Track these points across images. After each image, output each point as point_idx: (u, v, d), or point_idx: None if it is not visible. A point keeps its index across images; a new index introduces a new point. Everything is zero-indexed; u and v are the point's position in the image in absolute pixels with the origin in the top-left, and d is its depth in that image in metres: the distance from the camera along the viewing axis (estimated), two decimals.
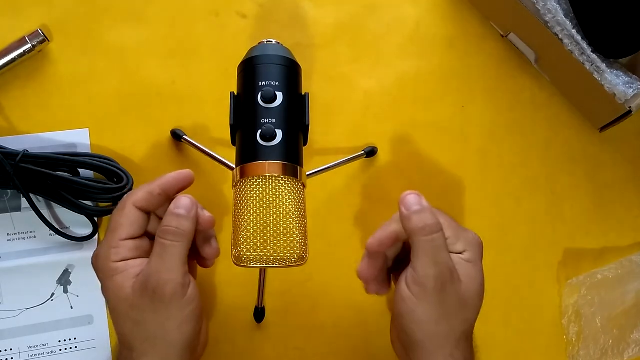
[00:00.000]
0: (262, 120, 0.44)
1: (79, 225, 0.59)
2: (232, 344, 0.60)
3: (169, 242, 0.45)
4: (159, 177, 0.48)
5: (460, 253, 0.48)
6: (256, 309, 0.60)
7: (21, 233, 0.59)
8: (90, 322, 0.59)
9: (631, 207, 0.66)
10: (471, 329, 0.49)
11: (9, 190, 0.59)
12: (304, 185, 0.45)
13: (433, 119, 0.65)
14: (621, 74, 0.57)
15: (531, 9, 0.58)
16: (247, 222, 0.42)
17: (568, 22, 0.57)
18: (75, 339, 0.59)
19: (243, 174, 0.43)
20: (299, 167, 0.44)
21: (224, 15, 0.64)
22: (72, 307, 0.59)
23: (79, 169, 0.58)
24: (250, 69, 0.46)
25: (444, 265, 0.46)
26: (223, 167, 0.57)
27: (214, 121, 0.62)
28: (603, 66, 0.57)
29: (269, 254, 0.42)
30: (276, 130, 0.43)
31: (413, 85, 0.65)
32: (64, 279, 0.59)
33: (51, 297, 0.59)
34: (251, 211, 0.42)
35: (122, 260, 0.46)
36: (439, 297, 0.46)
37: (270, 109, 0.44)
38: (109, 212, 0.58)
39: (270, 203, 0.42)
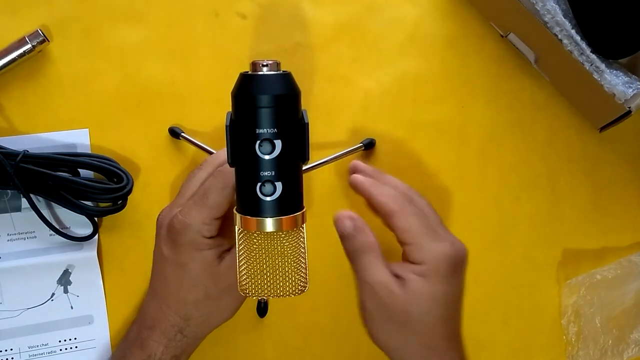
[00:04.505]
0: (262, 173, 0.43)
1: (79, 225, 0.59)
2: (232, 343, 0.61)
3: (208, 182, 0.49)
4: None
5: (416, 264, 0.48)
6: (259, 303, 0.60)
7: (21, 233, 0.59)
8: (90, 322, 0.59)
9: (631, 207, 0.66)
10: (423, 350, 0.49)
11: (9, 190, 0.59)
12: (304, 226, 0.46)
13: (433, 119, 0.65)
14: (621, 74, 0.57)
15: (530, 9, 0.58)
16: (249, 268, 0.44)
17: (567, 22, 0.57)
18: (75, 339, 0.59)
19: (245, 226, 0.44)
20: (299, 214, 0.44)
21: (224, 15, 0.64)
22: (72, 307, 0.59)
23: (79, 169, 0.58)
24: (246, 109, 0.43)
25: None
26: None
27: (213, 121, 0.62)
28: (602, 66, 0.57)
29: (270, 293, 0.44)
30: (276, 183, 0.43)
31: (413, 85, 0.65)
32: (64, 279, 0.59)
33: (51, 297, 0.59)
34: (254, 262, 0.44)
35: (211, 237, 0.49)
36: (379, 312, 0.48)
37: (269, 160, 0.43)
38: (109, 212, 0.58)
39: (272, 255, 0.44)
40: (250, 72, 0.43)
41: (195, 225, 0.48)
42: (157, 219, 0.52)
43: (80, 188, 0.56)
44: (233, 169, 0.45)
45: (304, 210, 0.45)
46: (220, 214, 0.49)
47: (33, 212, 0.57)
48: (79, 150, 0.60)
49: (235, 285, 0.46)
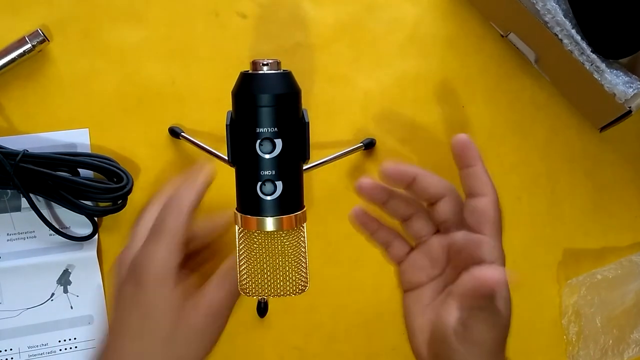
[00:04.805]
0: (262, 172, 0.43)
1: (79, 225, 0.59)
2: (232, 343, 0.60)
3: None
4: (193, 175, 0.48)
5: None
6: (259, 303, 0.60)
7: (21, 233, 0.59)
8: (90, 322, 0.59)
9: (631, 207, 0.66)
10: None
11: (9, 190, 0.59)
12: (304, 225, 0.45)
13: (433, 119, 0.65)
14: (621, 73, 0.57)
15: (531, 9, 0.58)
16: (250, 268, 0.44)
17: (567, 22, 0.57)
18: (75, 339, 0.59)
19: (245, 226, 0.44)
20: (299, 214, 0.44)
21: (224, 15, 0.64)
22: (72, 307, 0.59)
23: (79, 169, 0.58)
24: (246, 108, 0.43)
25: (503, 326, 0.42)
26: (223, 164, 0.57)
27: (213, 121, 0.62)
28: (603, 66, 0.57)
29: (270, 292, 0.44)
30: (276, 182, 0.43)
31: (413, 85, 0.65)
32: (64, 279, 0.59)
33: (51, 297, 0.59)
34: (254, 261, 0.44)
35: (177, 272, 0.46)
36: (493, 355, 0.42)
37: (270, 159, 0.43)
38: (109, 212, 0.58)
39: (272, 254, 0.44)
40: (250, 71, 0.44)
41: (159, 257, 0.46)
42: (115, 262, 0.48)
43: (80, 188, 0.56)
44: (184, 196, 0.46)
45: (305, 209, 0.45)
46: (181, 240, 0.46)
47: (33, 212, 0.57)
48: (79, 150, 0.60)
49: (202, 329, 0.46)
